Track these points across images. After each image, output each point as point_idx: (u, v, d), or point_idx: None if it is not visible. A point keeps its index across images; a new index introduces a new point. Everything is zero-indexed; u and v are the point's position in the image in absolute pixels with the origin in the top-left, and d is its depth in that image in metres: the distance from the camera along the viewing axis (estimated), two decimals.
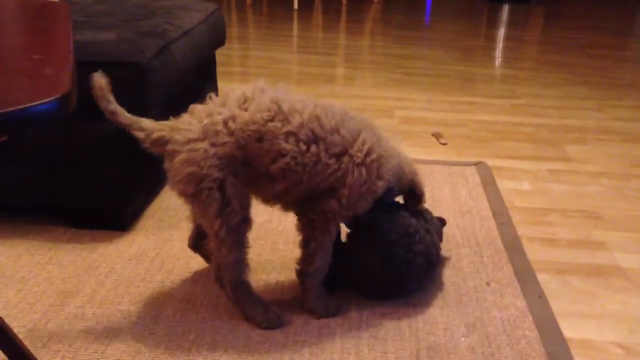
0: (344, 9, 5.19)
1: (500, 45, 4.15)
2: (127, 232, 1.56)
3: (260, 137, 1.11)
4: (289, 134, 1.11)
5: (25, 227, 1.57)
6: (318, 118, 1.13)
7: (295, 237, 1.56)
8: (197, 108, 1.15)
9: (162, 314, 1.26)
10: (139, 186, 1.62)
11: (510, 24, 4.91)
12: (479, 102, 2.77)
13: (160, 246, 1.51)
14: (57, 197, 1.54)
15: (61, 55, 0.75)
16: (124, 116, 1.12)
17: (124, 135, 1.48)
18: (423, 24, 4.77)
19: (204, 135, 1.10)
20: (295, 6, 5.07)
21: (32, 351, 1.12)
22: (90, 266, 1.42)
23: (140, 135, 1.13)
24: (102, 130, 1.46)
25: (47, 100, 0.56)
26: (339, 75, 3.18)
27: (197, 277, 1.39)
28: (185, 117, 1.15)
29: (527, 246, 1.57)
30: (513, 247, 1.55)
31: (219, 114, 1.11)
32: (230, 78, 3.00)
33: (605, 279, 1.45)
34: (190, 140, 1.10)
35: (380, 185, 1.20)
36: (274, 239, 1.56)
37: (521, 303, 1.33)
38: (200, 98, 2.07)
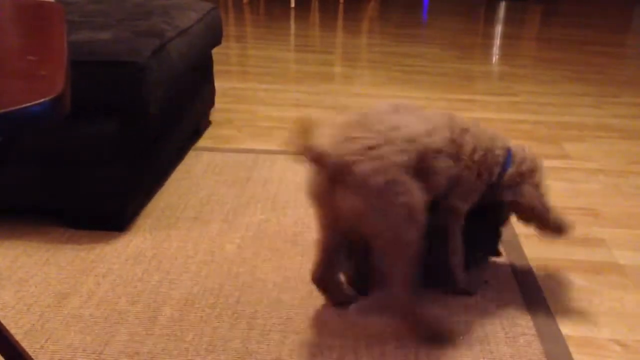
0: (341, 7, 5.18)
1: (498, 42, 4.15)
2: (125, 233, 1.56)
3: (434, 156, 1.17)
4: (439, 151, 1.18)
5: (22, 227, 1.56)
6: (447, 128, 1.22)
7: (293, 236, 1.57)
8: (354, 120, 1.13)
9: (159, 314, 1.26)
10: (139, 186, 1.62)
11: (508, 21, 4.91)
12: (477, 100, 2.77)
13: (158, 246, 1.51)
14: (56, 197, 1.54)
15: (56, 56, 0.75)
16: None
17: (124, 135, 1.49)
18: (421, 21, 4.77)
19: (385, 143, 1.08)
20: (293, 4, 5.06)
21: (30, 352, 1.12)
22: (87, 267, 1.41)
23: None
24: (102, 130, 1.46)
25: (39, 101, 0.55)
26: (337, 73, 3.17)
27: (195, 277, 1.39)
28: (346, 128, 1.11)
29: (525, 243, 1.57)
30: (511, 244, 1.55)
31: (394, 130, 1.11)
32: (228, 77, 3.00)
33: (603, 276, 1.45)
34: (371, 148, 1.07)
35: (485, 178, 1.30)
36: (273, 239, 1.56)
37: (519, 301, 1.33)
38: (197, 97, 2.07)
